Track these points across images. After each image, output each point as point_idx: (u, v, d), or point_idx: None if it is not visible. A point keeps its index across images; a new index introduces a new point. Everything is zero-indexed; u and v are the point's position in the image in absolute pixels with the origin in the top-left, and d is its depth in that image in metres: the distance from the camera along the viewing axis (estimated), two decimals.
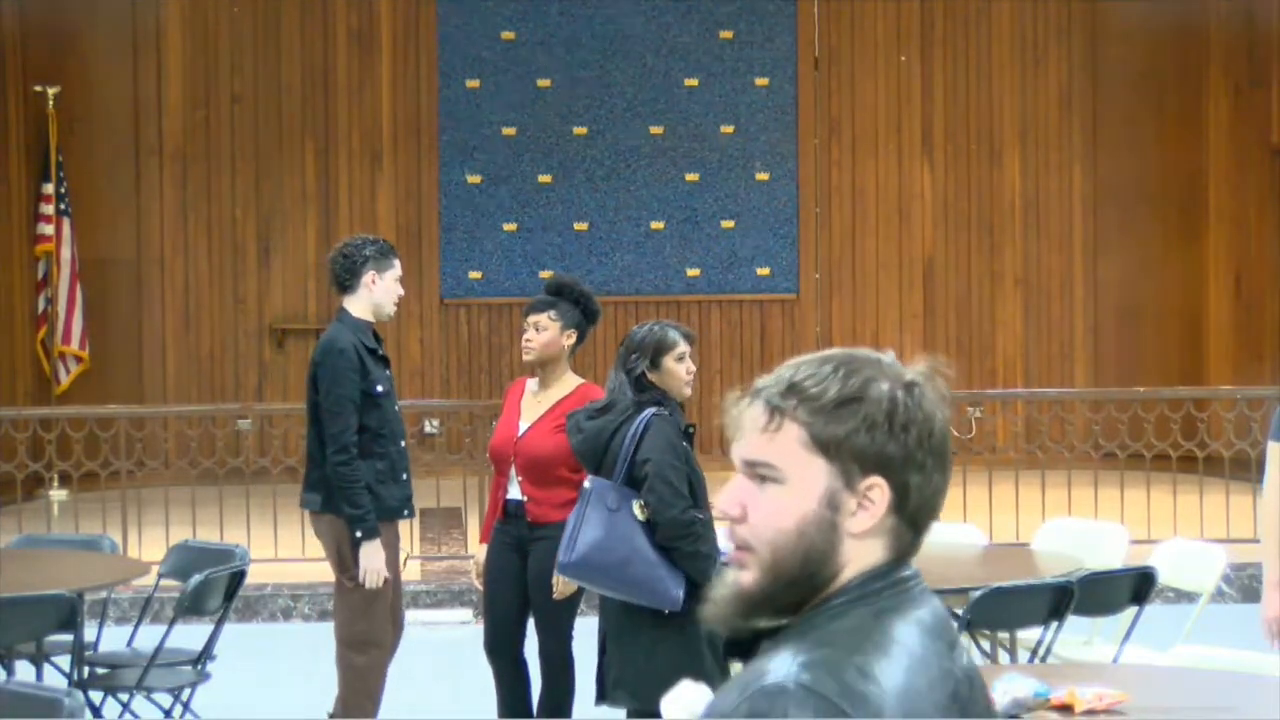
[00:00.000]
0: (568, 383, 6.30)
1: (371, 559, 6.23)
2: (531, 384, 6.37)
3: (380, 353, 6.40)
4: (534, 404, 6.29)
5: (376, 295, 6.33)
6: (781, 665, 1.82)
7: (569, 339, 6.25)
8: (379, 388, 6.29)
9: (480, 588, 6.56)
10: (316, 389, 6.29)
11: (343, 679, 6.46)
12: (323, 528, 6.37)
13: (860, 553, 1.89)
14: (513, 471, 6.23)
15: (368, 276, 6.31)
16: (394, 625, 6.60)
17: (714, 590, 1.93)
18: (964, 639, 6.15)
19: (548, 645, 6.33)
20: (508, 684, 6.46)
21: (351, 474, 6.19)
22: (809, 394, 1.89)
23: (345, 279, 6.33)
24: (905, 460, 1.88)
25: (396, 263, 6.42)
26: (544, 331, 6.20)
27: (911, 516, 1.90)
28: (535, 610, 6.31)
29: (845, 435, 1.87)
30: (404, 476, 6.38)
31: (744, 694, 1.81)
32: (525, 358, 6.27)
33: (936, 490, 1.91)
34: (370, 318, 6.36)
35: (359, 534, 6.22)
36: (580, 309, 6.27)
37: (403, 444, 6.40)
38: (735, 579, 1.91)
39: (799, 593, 1.89)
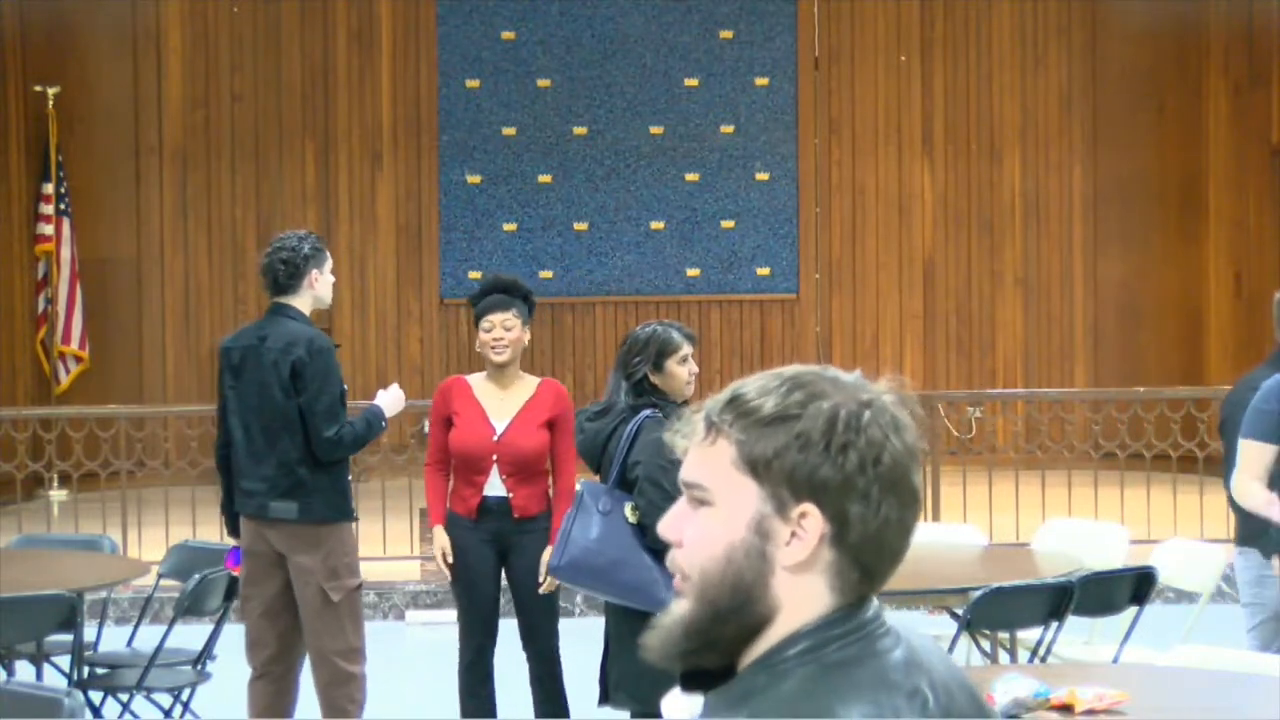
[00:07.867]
0: (529, 380, 6.41)
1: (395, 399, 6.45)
2: (479, 384, 6.39)
3: None
4: (500, 404, 6.34)
5: (319, 291, 6.22)
6: None
7: (527, 335, 6.40)
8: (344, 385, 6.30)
9: (446, 568, 6.33)
10: (292, 390, 6.09)
11: (337, 693, 6.21)
12: (303, 538, 6.10)
13: (798, 591, 1.68)
14: (494, 471, 6.26)
15: (310, 276, 6.19)
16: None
17: (659, 619, 1.75)
18: (964, 640, 6.15)
19: (543, 640, 6.33)
20: (481, 688, 6.45)
21: (355, 442, 6.18)
22: (746, 409, 1.69)
23: (287, 281, 6.19)
24: (844, 486, 1.66)
25: (329, 254, 6.35)
26: (512, 330, 6.31)
27: (855, 552, 1.67)
28: (525, 606, 6.32)
29: (774, 454, 1.67)
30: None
31: None
32: (498, 358, 6.30)
33: (887, 524, 1.67)
34: (309, 313, 6.22)
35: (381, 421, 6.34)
36: (528, 306, 6.42)
37: None
38: (676, 608, 1.73)
39: (733, 629, 1.70)
